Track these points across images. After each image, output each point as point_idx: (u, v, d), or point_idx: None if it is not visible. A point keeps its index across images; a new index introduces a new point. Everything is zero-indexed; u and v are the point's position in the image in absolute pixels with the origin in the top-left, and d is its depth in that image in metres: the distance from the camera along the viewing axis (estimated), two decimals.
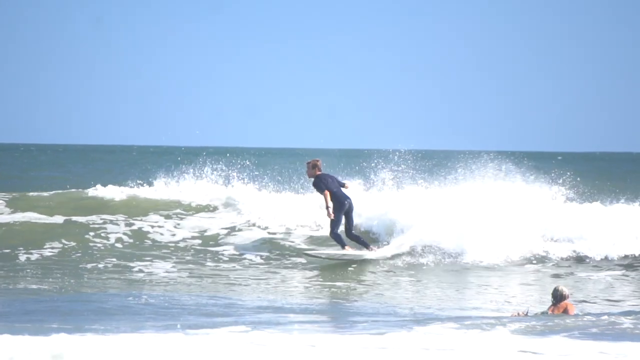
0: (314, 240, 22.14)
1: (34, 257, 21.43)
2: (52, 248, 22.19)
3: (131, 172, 26.55)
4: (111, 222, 23.72)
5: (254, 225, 23.09)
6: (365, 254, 20.48)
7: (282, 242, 21.96)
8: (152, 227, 23.21)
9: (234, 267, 20.38)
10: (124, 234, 23.13)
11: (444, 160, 27.08)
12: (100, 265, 20.77)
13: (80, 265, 20.82)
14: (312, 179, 20.48)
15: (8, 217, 24.08)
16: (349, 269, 20.12)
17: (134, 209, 24.27)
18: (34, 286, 17.90)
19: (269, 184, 25.06)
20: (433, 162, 28.91)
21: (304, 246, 21.65)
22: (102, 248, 22.33)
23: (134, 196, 25.07)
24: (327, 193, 20.14)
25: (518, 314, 13.94)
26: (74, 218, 23.97)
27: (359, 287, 18.38)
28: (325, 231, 21.59)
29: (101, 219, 23.81)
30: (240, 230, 22.85)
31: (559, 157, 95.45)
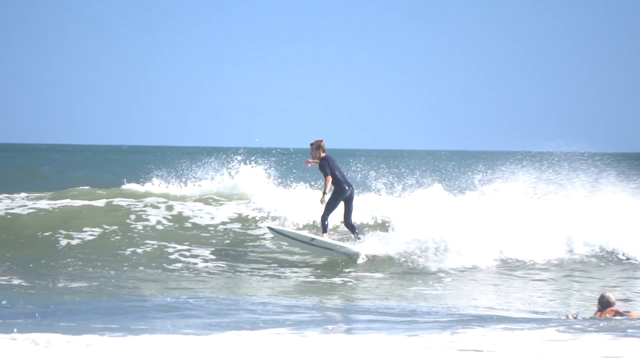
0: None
1: (74, 241, 21.60)
2: (92, 232, 22.24)
3: (171, 171, 26.17)
4: (152, 205, 23.68)
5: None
6: (339, 247, 19.85)
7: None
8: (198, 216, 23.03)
9: (272, 264, 20.24)
10: (164, 217, 23.07)
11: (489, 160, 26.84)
12: (140, 251, 20.86)
13: (120, 251, 20.99)
14: (317, 160, 19.91)
15: (50, 203, 24.23)
16: (403, 270, 19.85)
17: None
18: (74, 285, 17.82)
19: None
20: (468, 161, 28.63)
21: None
22: (142, 231, 22.38)
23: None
24: (330, 178, 19.63)
25: (567, 317, 13.82)
26: (116, 201, 24.07)
27: (403, 289, 18.23)
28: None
29: (143, 203, 23.81)
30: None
31: None
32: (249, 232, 22.30)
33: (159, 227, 22.59)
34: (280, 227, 20.32)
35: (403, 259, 20.08)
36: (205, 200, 24.19)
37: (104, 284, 18.10)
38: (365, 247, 20.17)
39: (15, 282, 18.23)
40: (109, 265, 19.96)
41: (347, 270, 19.45)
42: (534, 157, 24.47)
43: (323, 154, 19.91)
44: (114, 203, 24.08)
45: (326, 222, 19.82)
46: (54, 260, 20.38)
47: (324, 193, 19.55)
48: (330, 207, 19.76)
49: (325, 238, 19.90)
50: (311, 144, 19.94)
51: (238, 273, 19.31)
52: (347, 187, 19.74)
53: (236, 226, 22.65)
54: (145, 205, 23.68)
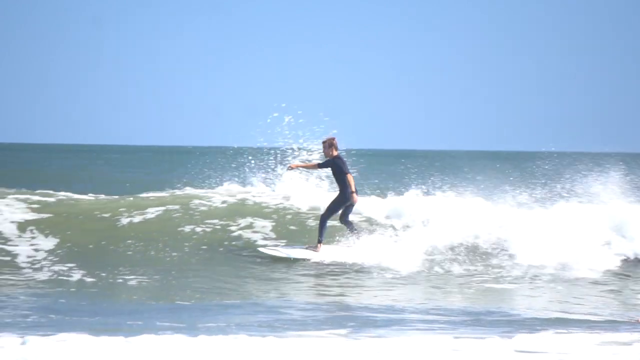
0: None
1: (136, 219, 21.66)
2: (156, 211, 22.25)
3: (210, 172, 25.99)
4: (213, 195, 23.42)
5: None
6: (321, 258, 19.18)
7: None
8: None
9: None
10: (224, 202, 22.87)
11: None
12: (199, 229, 20.80)
13: (179, 228, 21.04)
14: (329, 159, 19.21)
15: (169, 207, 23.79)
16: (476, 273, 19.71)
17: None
18: (133, 281, 17.77)
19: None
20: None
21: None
22: (205, 210, 22.28)
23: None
24: (351, 177, 19.03)
25: (638, 320, 13.61)
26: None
27: (462, 291, 18.09)
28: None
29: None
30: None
31: None
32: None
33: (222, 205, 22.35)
34: (271, 250, 19.54)
35: (467, 263, 19.86)
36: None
37: (165, 276, 18.08)
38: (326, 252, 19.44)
39: (76, 274, 18.22)
40: (171, 247, 19.96)
41: (402, 271, 19.24)
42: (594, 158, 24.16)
43: (336, 152, 19.26)
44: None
45: (324, 229, 19.13)
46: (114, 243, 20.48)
47: (353, 192, 18.94)
48: (333, 210, 19.17)
49: (319, 252, 19.16)
50: (323, 142, 19.38)
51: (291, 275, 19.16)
52: (351, 194, 19.03)
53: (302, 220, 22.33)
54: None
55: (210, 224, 21.66)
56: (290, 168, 19.84)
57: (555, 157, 25.79)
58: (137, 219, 21.83)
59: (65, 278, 18.07)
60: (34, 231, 20.74)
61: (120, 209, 22.29)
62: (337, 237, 19.83)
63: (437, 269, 19.48)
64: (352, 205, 19.26)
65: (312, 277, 18.59)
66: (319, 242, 19.24)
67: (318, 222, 19.44)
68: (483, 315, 14.86)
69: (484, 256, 20.19)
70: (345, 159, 19.40)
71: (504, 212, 21.70)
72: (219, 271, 18.78)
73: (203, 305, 15.59)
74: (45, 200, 22.56)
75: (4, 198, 22.10)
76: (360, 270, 19.09)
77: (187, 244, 20.60)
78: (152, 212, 22.21)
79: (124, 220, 21.69)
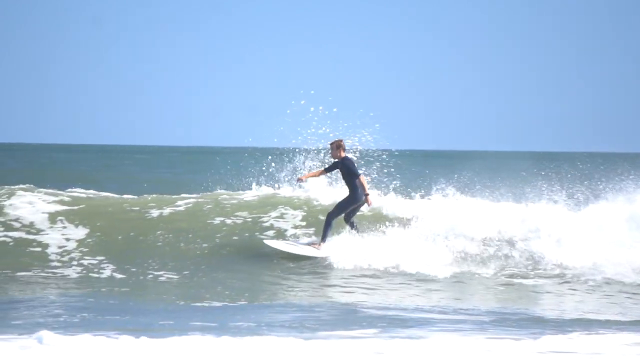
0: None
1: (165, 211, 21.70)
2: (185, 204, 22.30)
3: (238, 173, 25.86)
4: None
5: None
6: (324, 255, 18.90)
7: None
8: None
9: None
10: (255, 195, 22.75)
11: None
12: (229, 221, 20.81)
13: (208, 220, 21.06)
14: (337, 161, 18.91)
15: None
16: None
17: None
18: (163, 277, 17.81)
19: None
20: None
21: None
22: (235, 203, 22.22)
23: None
24: (364, 178, 18.73)
25: None
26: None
27: (495, 293, 18.07)
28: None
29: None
30: None
31: None
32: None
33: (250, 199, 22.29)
34: (276, 244, 19.34)
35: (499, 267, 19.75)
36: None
37: (195, 272, 18.11)
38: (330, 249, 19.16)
39: (106, 269, 18.29)
40: (200, 237, 19.94)
41: (432, 273, 19.15)
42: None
43: (344, 154, 18.90)
44: None
45: (329, 229, 18.92)
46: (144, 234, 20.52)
47: (367, 195, 18.69)
48: (341, 210, 18.95)
49: (322, 250, 18.89)
50: (331, 144, 19.06)
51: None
52: (363, 196, 18.83)
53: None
54: None
55: (240, 216, 21.59)
56: (300, 180, 19.50)
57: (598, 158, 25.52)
58: (166, 211, 21.88)
59: (95, 275, 18.14)
60: (64, 221, 20.87)
61: (150, 203, 22.38)
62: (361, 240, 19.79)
63: (463, 269, 19.40)
64: (359, 206, 19.06)
65: (337, 277, 18.53)
66: (323, 241, 18.98)
67: (324, 220, 19.17)
68: (511, 316, 14.79)
69: (511, 256, 20.06)
70: (354, 160, 19.28)
71: (535, 212, 21.53)
72: (248, 268, 18.75)
73: (233, 305, 15.63)
74: (75, 195, 22.67)
75: (33, 192, 22.23)
76: (385, 270, 19.01)
77: (217, 235, 20.61)
78: (181, 205, 22.28)
79: (154, 213, 21.73)
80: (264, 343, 11.41)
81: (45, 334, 11.25)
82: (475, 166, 25.00)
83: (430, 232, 20.36)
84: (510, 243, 20.55)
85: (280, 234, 20.54)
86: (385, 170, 22.64)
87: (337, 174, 20.44)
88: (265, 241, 19.57)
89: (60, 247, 19.64)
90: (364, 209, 19.66)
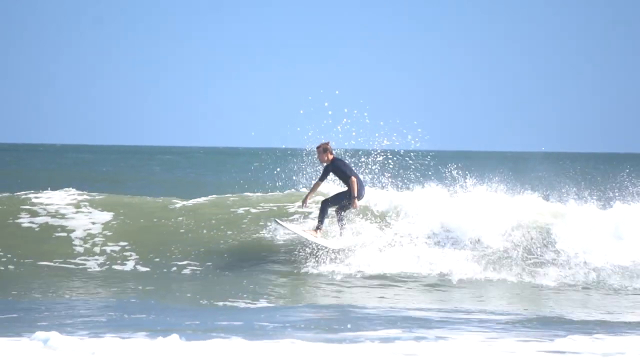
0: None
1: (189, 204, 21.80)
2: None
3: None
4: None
5: None
6: (328, 244, 18.76)
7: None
8: None
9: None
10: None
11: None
12: (254, 210, 20.88)
13: (232, 209, 21.11)
14: (327, 164, 18.54)
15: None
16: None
17: None
18: (187, 269, 17.87)
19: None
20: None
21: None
22: (260, 195, 22.37)
23: None
24: (354, 180, 18.31)
25: None
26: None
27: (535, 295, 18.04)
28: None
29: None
30: None
31: None
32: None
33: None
34: (286, 223, 19.10)
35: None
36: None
37: (218, 266, 18.17)
38: (336, 242, 19.04)
39: (131, 263, 18.38)
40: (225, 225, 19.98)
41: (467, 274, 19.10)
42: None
43: (331, 156, 18.53)
44: None
45: (325, 217, 18.57)
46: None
47: (354, 197, 18.31)
48: (336, 200, 18.58)
49: (316, 238, 18.62)
50: (317, 148, 18.68)
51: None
52: (364, 192, 18.66)
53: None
54: None
55: (265, 206, 21.57)
56: (305, 203, 18.79)
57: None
58: (190, 202, 21.97)
59: (119, 267, 18.27)
60: (89, 207, 21.06)
61: (174, 199, 22.51)
62: (378, 244, 19.78)
63: (484, 270, 19.36)
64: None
65: (360, 278, 18.48)
66: (318, 228, 18.61)
67: (319, 206, 18.87)
68: (536, 318, 14.72)
69: (535, 256, 19.95)
70: (346, 161, 19.04)
71: (568, 212, 21.40)
72: (269, 266, 18.81)
73: (255, 305, 15.66)
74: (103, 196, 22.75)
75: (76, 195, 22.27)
76: (407, 272, 18.98)
77: (242, 222, 20.67)
78: (205, 196, 22.38)
79: (177, 204, 21.86)
80: (293, 346, 11.40)
81: (53, 335, 11.18)
82: (491, 165, 24.87)
83: (447, 231, 20.30)
84: (534, 243, 20.47)
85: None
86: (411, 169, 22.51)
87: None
88: (275, 219, 19.34)
89: (83, 239, 19.78)
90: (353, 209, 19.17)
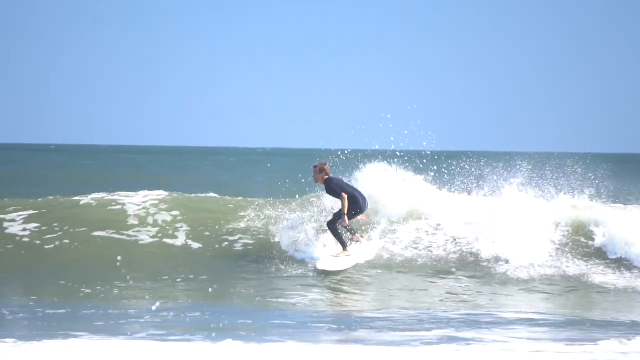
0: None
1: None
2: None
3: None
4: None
5: None
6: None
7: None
8: None
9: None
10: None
11: None
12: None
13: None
14: (321, 184, 18.74)
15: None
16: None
17: None
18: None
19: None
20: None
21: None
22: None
23: None
24: (346, 196, 18.36)
25: None
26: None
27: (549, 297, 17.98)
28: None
29: None
30: None
31: None
32: None
33: None
34: (328, 266, 18.66)
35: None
36: None
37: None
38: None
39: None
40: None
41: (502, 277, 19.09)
42: None
43: (326, 177, 18.66)
44: None
45: (340, 235, 18.62)
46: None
47: (344, 214, 18.29)
48: (339, 217, 18.54)
49: (348, 255, 18.63)
50: (314, 167, 18.81)
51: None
52: (362, 202, 18.56)
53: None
54: None
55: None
56: (348, 225, 18.65)
57: None
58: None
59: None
60: (157, 216, 21.15)
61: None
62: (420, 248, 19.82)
63: (534, 272, 19.19)
64: (358, 214, 18.69)
65: (404, 280, 18.45)
66: (345, 248, 18.66)
67: (330, 232, 18.80)
68: (583, 319, 14.78)
69: (584, 259, 19.81)
70: (341, 178, 18.96)
71: (604, 212, 21.29)
72: (295, 270, 18.65)
73: (307, 305, 15.86)
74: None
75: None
76: (452, 273, 18.98)
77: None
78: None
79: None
80: (365, 350, 11.53)
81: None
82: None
83: (496, 234, 20.22)
84: (579, 244, 20.32)
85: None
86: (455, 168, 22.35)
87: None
88: (318, 265, 18.81)
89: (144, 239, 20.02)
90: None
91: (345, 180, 19.23)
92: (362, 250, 19.12)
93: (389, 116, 21.28)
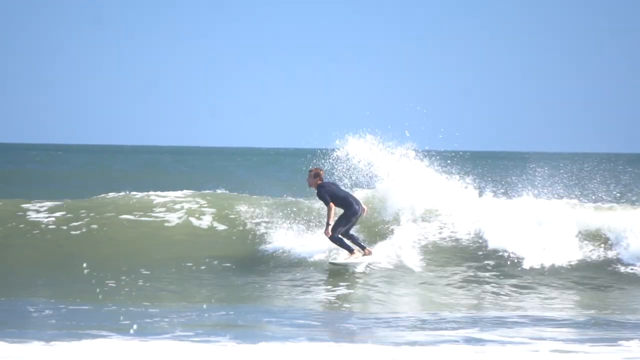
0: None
1: None
2: None
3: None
4: None
5: None
6: (358, 259, 18.67)
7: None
8: None
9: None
10: None
11: None
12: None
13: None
14: (314, 188, 18.71)
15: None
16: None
17: None
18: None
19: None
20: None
21: None
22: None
23: None
24: (332, 206, 18.28)
25: None
26: None
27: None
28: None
29: None
30: None
31: None
32: None
33: None
34: (339, 261, 18.82)
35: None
36: None
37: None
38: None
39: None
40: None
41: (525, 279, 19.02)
42: None
43: (320, 182, 18.63)
44: None
45: (343, 241, 18.51)
46: None
47: (328, 224, 18.24)
48: (339, 226, 18.42)
49: (358, 257, 18.61)
50: (310, 171, 18.82)
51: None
52: (357, 207, 18.49)
53: None
54: None
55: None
56: (331, 234, 18.54)
57: None
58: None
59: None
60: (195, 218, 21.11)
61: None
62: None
63: (558, 274, 19.15)
64: (356, 219, 18.65)
65: (427, 280, 18.47)
66: (351, 252, 18.63)
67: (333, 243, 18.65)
68: (610, 321, 14.75)
69: (611, 260, 19.69)
70: (332, 185, 18.77)
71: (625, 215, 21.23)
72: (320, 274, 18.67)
73: (334, 306, 15.98)
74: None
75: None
76: (477, 275, 18.93)
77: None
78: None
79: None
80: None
81: None
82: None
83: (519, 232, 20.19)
84: (606, 246, 20.14)
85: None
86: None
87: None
88: (330, 261, 19.00)
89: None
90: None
91: (339, 184, 19.27)
92: (387, 248, 19.18)
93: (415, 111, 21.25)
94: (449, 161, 21.43)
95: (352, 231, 18.91)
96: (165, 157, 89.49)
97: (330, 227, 18.24)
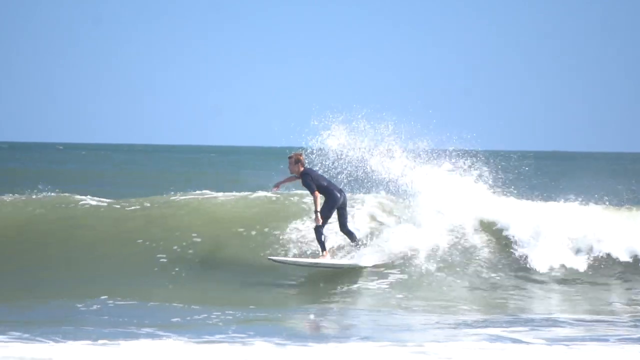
0: None
1: None
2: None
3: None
4: None
5: None
6: (344, 264, 18.13)
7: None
8: None
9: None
10: None
11: None
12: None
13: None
14: (298, 176, 18.16)
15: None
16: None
17: None
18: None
19: None
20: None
21: None
22: None
23: None
24: (317, 194, 17.86)
25: None
26: None
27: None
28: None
29: None
30: None
31: None
32: None
33: None
34: (281, 258, 18.44)
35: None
36: None
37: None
38: (368, 258, 18.53)
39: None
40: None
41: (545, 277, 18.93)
42: None
43: (302, 168, 18.11)
44: None
45: (323, 238, 18.05)
46: None
47: (316, 212, 17.79)
48: (324, 220, 17.95)
49: (327, 258, 18.13)
50: (289, 157, 18.17)
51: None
52: (339, 195, 18.06)
53: None
54: None
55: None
56: (277, 187, 18.57)
57: None
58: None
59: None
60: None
61: None
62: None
63: (585, 276, 19.13)
64: (343, 207, 18.25)
65: (453, 280, 18.44)
66: (323, 250, 18.17)
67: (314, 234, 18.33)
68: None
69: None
70: (313, 172, 18.29)
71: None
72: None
73: (352, 307, 16.17)
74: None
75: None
76: (522, 276, 18.98)
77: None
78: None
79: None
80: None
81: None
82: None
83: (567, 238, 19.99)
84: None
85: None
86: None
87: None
88: (269, 257, 18.61)
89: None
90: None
91: (320, 172, 18.64)
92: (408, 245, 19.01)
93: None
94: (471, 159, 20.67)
95: (352, 230, 18.57)
96: (200, 155, 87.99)
97: (319, 215, 17.80)
